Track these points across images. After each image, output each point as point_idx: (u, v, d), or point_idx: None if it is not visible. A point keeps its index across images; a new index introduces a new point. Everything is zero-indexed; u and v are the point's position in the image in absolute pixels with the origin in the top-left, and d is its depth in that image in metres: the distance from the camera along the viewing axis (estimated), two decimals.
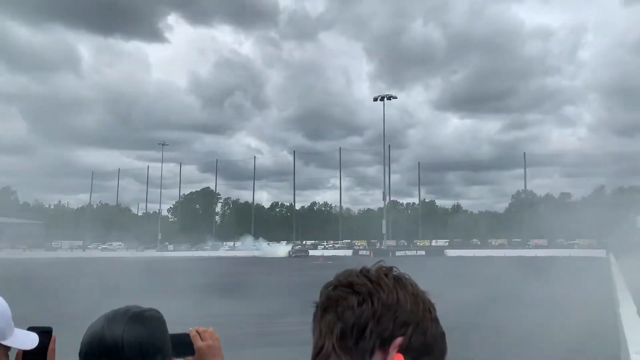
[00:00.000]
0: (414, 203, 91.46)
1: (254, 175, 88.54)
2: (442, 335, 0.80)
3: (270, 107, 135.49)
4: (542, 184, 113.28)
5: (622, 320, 7.70)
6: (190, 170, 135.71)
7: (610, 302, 12.85)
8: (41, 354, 1.22)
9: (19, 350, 1.20)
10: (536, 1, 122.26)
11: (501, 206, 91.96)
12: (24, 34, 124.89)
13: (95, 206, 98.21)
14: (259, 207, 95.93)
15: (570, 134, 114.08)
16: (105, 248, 75.34)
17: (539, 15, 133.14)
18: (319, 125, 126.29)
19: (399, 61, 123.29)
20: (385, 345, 0.74)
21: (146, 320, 1.16)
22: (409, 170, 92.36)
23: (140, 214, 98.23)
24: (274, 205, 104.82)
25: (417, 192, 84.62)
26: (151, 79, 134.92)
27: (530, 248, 61.02)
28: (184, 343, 1.28)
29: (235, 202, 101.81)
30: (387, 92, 68.58)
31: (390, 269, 0.82)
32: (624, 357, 6.55)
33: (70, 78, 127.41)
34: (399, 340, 0.74)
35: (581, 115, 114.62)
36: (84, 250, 72.82)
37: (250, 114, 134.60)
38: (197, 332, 1.31)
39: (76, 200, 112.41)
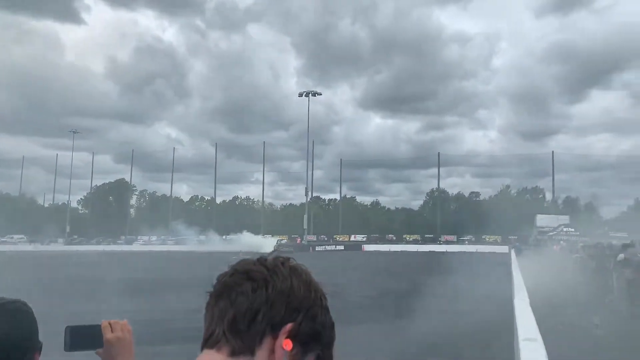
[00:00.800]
0: (335, 199, 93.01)
1: (173, 167, 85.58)
2: (332, 324, 0.83)
3: (193, 97, 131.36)
4: (454, 183, 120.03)
5: (515, 310, 8.24)
6: (104, 160, 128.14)
7: (509, 294, 13.78)
8: None
9: None
10: (456, 8, 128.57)
11: (416, 203, 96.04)
12: None
13: None
14: (178, 200, 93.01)
15: (482, 136, 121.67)
16: (4, 241, 69.38)
17: (459, 21, 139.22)
18: (244, 119, 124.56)
19: (327, 58, 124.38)
20: (275, 330, 0.76)
21: (9, 312, 1.11)
22: (332, 166, 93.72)
23: (47, 205, 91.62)
24: (194, 198, 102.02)
25: (339, 188, 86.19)
26: (63, 62, 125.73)
27: (441, 244, 64.35)
28: (92, 334, 1.24)
29: (152, 194, 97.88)
30: (313, 89, 69.00)
31: (287, 259, 0.84)
32: (516, 344, 7.00)
33: None
34: (289, 325, 0.76)
35: (492, 118, 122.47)
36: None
37: (171, 103, 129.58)
38: (108, 323, 1.26)
39: None
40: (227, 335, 0.76)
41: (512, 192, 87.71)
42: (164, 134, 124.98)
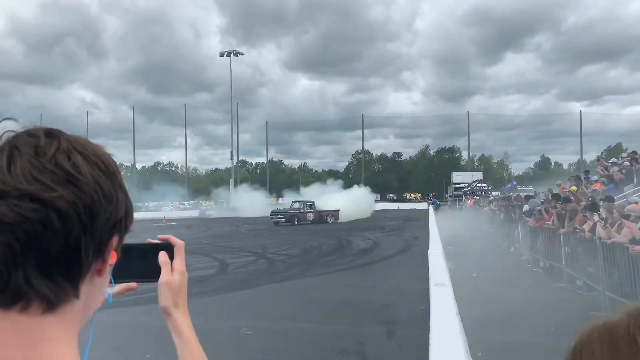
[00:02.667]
0: (262, 162, 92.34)
1: (87, 133, 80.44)
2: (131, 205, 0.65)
3: (108, 57, 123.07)
4: (379, 144, 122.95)
5: (429, 260, 8.67)
6: (9, 126, 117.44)
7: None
8: None
9: None
10: None
11: (343, 165, 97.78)
12: None
13: None
14: None
15: (405, 98, 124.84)
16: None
17: None
18: (165, 80, 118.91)
19: (252, 17, 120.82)
20: (101, 251, 0.60)
21: None
22: (259, 129, 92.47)
23: None
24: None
25: (266, 151, 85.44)
26: None
27: None
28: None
29: None
30: (237, 48, 66.84)
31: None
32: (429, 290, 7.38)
33: None
34: (115, 239, 0.62)
35: (415, 81, 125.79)
36: None
37: (84, 64, 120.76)
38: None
39: None
40: (35, 282, 0.54)
41: (431, 152, 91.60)
42: (77, 97, 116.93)
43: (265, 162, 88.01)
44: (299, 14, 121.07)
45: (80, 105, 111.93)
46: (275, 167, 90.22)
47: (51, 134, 0.59)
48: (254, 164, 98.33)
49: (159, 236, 0.90)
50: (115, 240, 0.61)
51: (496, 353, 5.76)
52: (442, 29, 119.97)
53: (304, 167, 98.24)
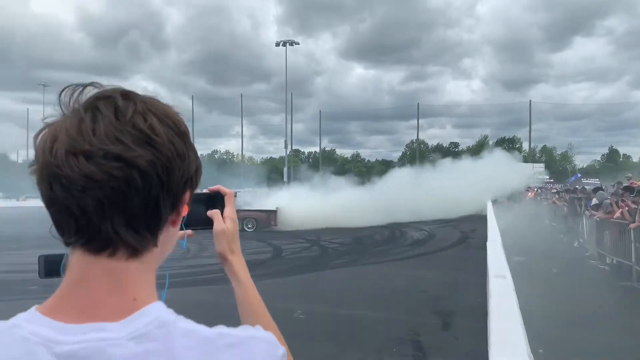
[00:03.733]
0: (315, 151, 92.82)
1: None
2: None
3: (169, 48, 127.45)
4: (435, 134, 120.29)
5: (488, 252, 8.42)
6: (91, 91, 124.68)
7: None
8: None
9: None
10: None
11: (397, 155, 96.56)
12: None
13: None
14: None
15: (464, 86, 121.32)
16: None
17: None
18: (223, 70, 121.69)
19: (308, 6, 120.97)
20: (177, 205, 0.68)
21: None
22: (313, 119, 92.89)
23: (20, 161, 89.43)
24: None
25: (319, 141, 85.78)
26: (30, 12, 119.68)
27: None
28: (61, 262, 1.08)
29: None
30: (293, 38, 67.11)
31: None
32: (488, 281, 7.17)
33: None
34: (187, 195, 0.68)
35: (476, 68, 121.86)
36: None
37: (147, 55, 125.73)
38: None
39: None
40: (121, 232, 0.61)
41: (490, 142, 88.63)
42: (140, 87, 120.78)
43: (318, 151, 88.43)
44: (356, 2, 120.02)
45: (143, 94, 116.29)
46: (327, 157, 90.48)
47: (127, 96, 0.65)
48: (306, 153, 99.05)
49: (209, 188, 0.96)
50: (187, 195, 0.67)
51: (558, 350, 5.54)
52: (505, 13, 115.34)
53: (356, 157, 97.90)
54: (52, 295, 0.63)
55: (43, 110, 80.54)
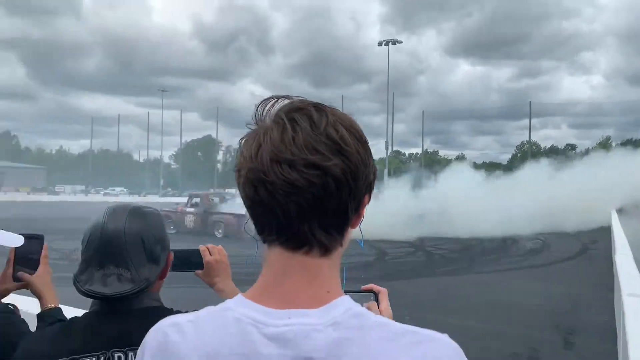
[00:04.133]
0: (417, 153, 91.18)
1: (255, 123, 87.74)
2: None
3: (275, 52, 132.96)
4: (548, 135, 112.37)
5: (616, 266, 7.67)
6: (192, 117, 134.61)
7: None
8: (35, 259, 1.37)
9: (10, 254, 1.33)
10: None
11: (506, 157, 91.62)
12: None
13: (96, 152, 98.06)
14: None
15: (583, 82, 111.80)
16: (107, 193, 75.86)
17: None
18: (325, 72, 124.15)
19: (412, 3, 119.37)
20: (359, 208, 0.74)
21: (146, 214, 1.21)
22: (416, 119, 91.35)
23: (141, 160, 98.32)
24: None
25: (421, 142, 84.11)
26: (153, 23, 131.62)
27: None
28: (193, 257, 1.40)
29: (237, 149, 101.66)
30: (396, 37, 66.45)
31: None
32: (617, 299, 6.54)
33: (71, 21, 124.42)
34: (366, 198, 0.73)
35: (597, 62, 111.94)
36: (86, 195, 73.32)
37: (254, 59, 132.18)
38: (206, 247, 1.41)
39: (78, 145, 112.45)
40: (316, 233, 0.68)
41: (613, 143, 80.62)
42: (247, 91, 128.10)
43: (419, 152, 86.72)
44: None
45: (250, 98, 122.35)
46: (430, 158, 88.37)
47: (319, 108, 0.70)
48: (407, 155, 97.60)
49: (363, 287, 0.99)
50: (367, 199, 0.73)
51: None
52: (632, 1, 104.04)
53: (461, 158, 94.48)
54: (254, 284, 0.71)
55: (162, 114, 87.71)
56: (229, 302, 0.70)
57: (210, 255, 1.41)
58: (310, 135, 0.66)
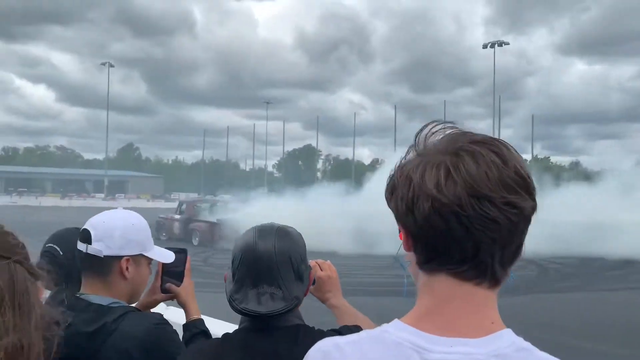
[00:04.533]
0: (526, 160, 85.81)
1: (354, 132, 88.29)
2: None
3: (375, 60, 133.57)
4: None
5: None
6: (294, 127, 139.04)
7: None
8: (180, 271, 1.47)
9: (159, 267, 1.46)
10: None
11: (627, 164, 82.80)
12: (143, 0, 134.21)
13: (207, 161, 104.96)
14: (359, 164, 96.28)
15: None
16: (217, 200, 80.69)
17: None
18: (426, 77, 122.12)
19: (521, 2, 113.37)
20: None
21: (290, 233, 1.27)
22: (524, 123, 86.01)
23: (247, 169, 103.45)
24: (374, 161, 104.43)
25: (531, 148, 79.05)
26: (258, 37, 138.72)
27: None
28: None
29: (336, 158, 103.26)
30: (502, 38, 63.59)
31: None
32: None
33: (186, 40, 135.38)
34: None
35: None
36: None
37: (355, 68, 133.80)
38: (316, 263, 1.44)
39: (191, 156, 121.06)
40: (494, 267, 0.69)
41: None
42: (347, 99, 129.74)
43: (529, 159, 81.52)
44: None
45: (349, 106, 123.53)
46: (540, 165, 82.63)
47: (504, 143, 0.71)
48: None
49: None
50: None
51: None
52: None
53: (576, 165, 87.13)
54: (413, 309, 0.72)
55: (266, 125, 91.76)
56: (386, 326, 0.71)
57: (321, 270, 1.44)
58: (503, 171, 0.67)
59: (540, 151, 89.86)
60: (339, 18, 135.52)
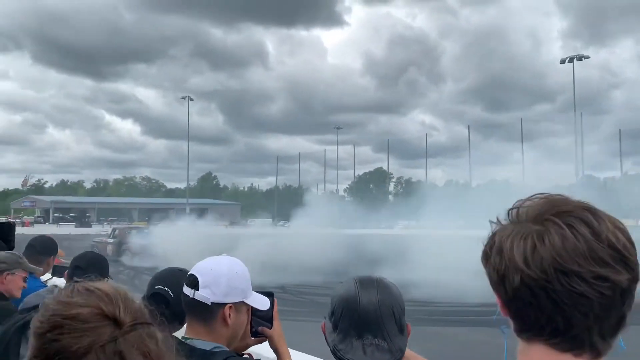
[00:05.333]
0: (614, 177, 79.90)
1: (426, 153, 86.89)
2: None
3: (445, 80, 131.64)
4: None
5: None
6: (364, 151, 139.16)
7: None
8: (269, 315, 1.48)
9: (249, 311, 1.46)
10: None
11: None
12: (220, 35, 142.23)
13: (281, 187, 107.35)
14: (432, 186, 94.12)
15: None
16: (291, 225, 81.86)
17: None
18: (500, 95, 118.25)
19: (602, 12, 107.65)
20: None
21: (390, 285, 1.31)
22: (611, 138, 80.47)
23: (319, 194, 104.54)
24: (448, 183, 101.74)
25: (619, 164, 73.59)
26: (327, 64, 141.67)
27: None
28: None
29: (408, 181, 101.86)
30: (582, 51, 60.49)
31: None
32: None
33: (259, 71, 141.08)
34: None
35: None
36: (273, 228, 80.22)
37: (425, 89, 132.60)
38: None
39: (265, 182, 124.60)
40: (594, 339, 0.68)
41: None
42: (418, 121, 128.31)
43: (618, 175, 75.84)
44: None
45: (420, 128, 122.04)
46: (633, 182, 76.51)
47: (593, 212, 0.68)
48: (601, 179, 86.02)
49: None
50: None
51: None
52: None
53: None
54: None
55: (336, 149, 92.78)
56: None
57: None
58: (593, 244, 0.65)
59: (631, 167, 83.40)
60: (408, 40, 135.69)
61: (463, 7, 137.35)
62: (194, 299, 1.39)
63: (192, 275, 1.42)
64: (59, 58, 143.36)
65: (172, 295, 1.72)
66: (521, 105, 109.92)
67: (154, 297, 1.76)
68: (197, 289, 1.39)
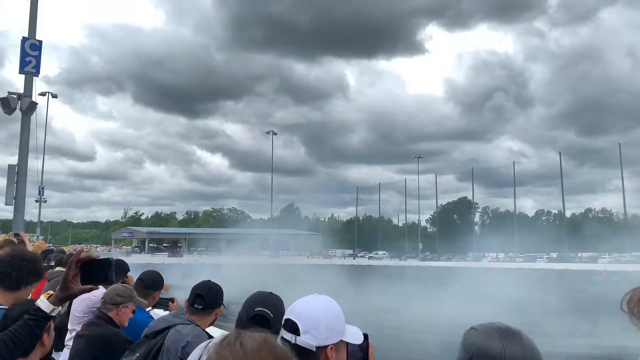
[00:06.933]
0: None
1: (514, 181, 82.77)
2: None
3: (534, 105, 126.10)
4: None
5: None
6: (447, 179, 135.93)
7: None
8: (364, 358, 1.46)
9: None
10: None
11: None
12: (302, 70, 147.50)
13: (361, 218, 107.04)
14: (522, 216, 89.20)
15: None
16: (371, 257, 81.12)
17: None
18: (595, 118, 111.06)
19: None
20: None
21: (531, 340, 1.25)
22: None
23: (400, 224, 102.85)
24: (539, 213, 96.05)
25: None
26: (408, 93, 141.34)
27: None
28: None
29: (495, 210, 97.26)
30: None
31: None
32: None
33: (340, 103, 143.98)
34: None
35: None
36: (354, 259, 79.84)
37: (511, 115, 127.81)
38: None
39: (345, 212, 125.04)
40: None
41: None
42: (505, 148, 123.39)
43: None
44: None
45: (508, 155, 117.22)
46: None
47: None
48: None
49: None
50: None
51: None
52: None
53: None
54: None
55: (418, 179, 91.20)
56: None
57: None
58: None
59: None
60: (492, 66, 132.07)
61: (553, 28, 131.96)
62: (296, 344, 1.38)
63: (290, 320, 1.42)
64: (157, 98, 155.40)
65: (272, 316, 1.85)
66: (619, 128, 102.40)
67: (254, 318, 1.86)
68: (298, 334, 1.39)
